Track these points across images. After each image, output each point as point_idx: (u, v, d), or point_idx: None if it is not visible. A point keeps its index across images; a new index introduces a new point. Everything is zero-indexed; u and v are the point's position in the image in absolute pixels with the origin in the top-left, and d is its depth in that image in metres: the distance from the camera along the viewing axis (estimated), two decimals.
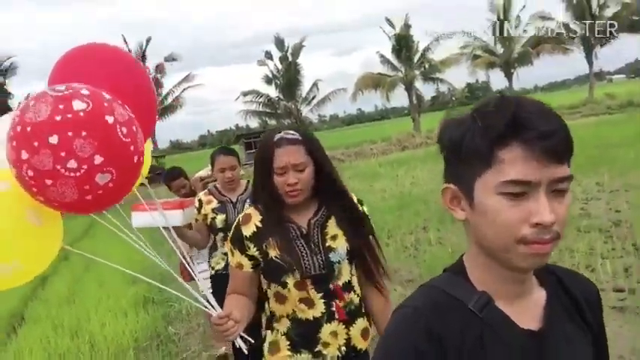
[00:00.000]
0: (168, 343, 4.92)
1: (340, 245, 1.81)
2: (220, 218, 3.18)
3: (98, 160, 1.37)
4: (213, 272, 3.35)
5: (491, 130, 0.80)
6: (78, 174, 1.36)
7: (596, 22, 33.93)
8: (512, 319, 0.86)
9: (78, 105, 1.35)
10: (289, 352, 1.80)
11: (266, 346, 1.86)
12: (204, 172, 4.16)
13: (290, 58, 33.00)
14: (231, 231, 1.85)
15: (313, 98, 33.84)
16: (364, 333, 1.85)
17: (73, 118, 1.33)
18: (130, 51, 34.60)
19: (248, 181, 3.32)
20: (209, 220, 3.20)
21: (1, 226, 1.53)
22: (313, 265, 1.76)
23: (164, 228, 2.25)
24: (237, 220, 1.85)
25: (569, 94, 48.49)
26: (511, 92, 36.29)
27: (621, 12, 34.00)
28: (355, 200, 1.90)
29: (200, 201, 3.24)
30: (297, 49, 33.00)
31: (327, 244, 1.79)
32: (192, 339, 4.95)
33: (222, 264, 3.26)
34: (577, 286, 0.96)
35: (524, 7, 34.45)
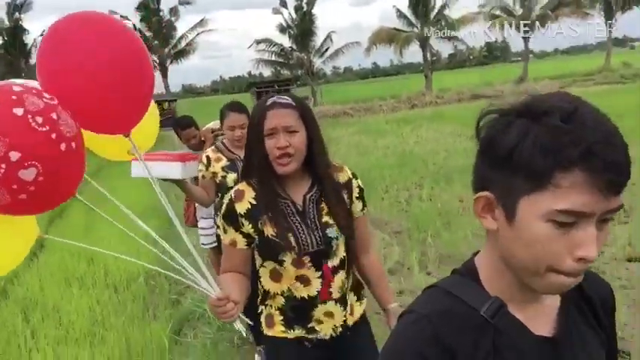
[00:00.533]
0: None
1: None
2: (231, 177, 3.09)
3: (15, 156, 1.31)
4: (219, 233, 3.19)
5: (558, 152, 0.71)
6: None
7: None
8: (525, 326, 0.83)
9: None
10: (283, 328, 1.80)
11: (262, 320, 1.87)
12: (215, 123, 4.01)
13: (305, 8, 32.64)
14: (224, 207, 1.78)
15: (327, 50, 33.68)
16: (354, 309, 1.86)
17: None
18: None
19: None
20: (219, 178, 3.11)
21: None
22: (311, 242, 1.73)
23: (164, 180, 2.22)
24: (229, 197, 1.78)
25: (588, 60, 47.62)
26: (528, 54, 35.95)
27: None
28: (350, 175, 1.87)
29: (208, 158, 3.14)
30: None
31: (323, 220, 1.76)
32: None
33: None
34: (592, 286, 0.92)
35: None
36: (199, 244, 4.21)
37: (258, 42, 32.96)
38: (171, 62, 36.08)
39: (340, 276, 1.78)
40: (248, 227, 1.73)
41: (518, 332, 0.81)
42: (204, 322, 4.25)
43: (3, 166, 1.30)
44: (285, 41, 33.90)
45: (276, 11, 32.74)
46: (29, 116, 1.33)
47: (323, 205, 1.77)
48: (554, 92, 0.78)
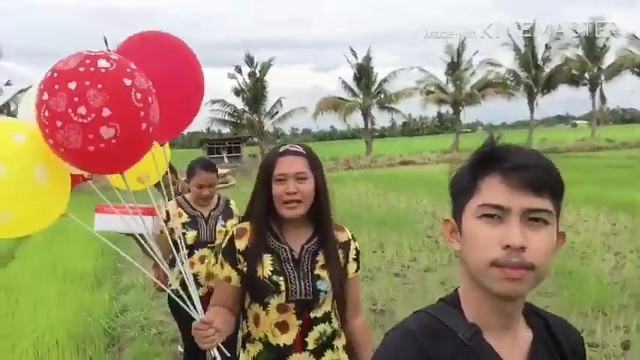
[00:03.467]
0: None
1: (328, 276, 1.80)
2: (191, 234, 3.05)
3: (106, 112, 1.43)
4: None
5: (474, 163, 0.92)
6: (85, 120, 1.42)
7: (539, 73, 37.77)
8: (498, 353, 0.91)
9: (102, 63, 1.46)
10: None
11: None
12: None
13: (257, 75, 35.68)
14: (224, 243, 1.82)
15: (276, 113, 36.54)
16: None
17: (94, 71, 1.44)
18: (106, 44, 36.01)
19: (219, 196, 3.29)
20: (177, 234, 2.96)
21: (6, 174, 1.54)
22: (300, 291, 1.75)
23: (130, 235, 2.13)
24: (230, 233, 1.83)
25: (514, 135, 51.90)
26: (460, 127, 39.70)
27: (562, 66, 37.92)
28: (350, 236, 1.91)
29: (167, 213, 3.03)
30: (266, 67, 35.77)
31: (316, 272, 1.78)
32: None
33: (177, 283, 3.04)
34: (563, 332, 1.01)
35: (476, 52, 37.88)
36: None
37: (213, 102, 35.53)
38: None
39: (319, 328, 1.79)
40: (243, 265, 1.76)
41: (490, 357, 0.91)
42: None
43: (93, 115, 1.42)
44: (239, 102, 36.71)
45: (231, 76, 35.61)
46: (133, 90, 1.47)
47: (319, 258, 1.79)
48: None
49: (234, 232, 1.81)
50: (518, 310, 0.95)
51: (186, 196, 3.21)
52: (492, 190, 0.88)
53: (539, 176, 0.87)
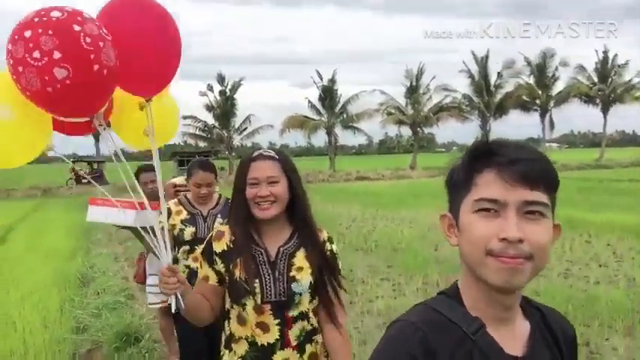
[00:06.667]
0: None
1: (304, 278, 1.83)
2: (189, 231, 3.16)
3: (57, 55, 1.55)
4: None
5: (470, 159, 0.95)
6: (40, 64, 1.56)
7: (491, 99, 40.76)
8: (499, 345, 0.94)
9: (55, 14, 1.59)
10: None
11: None
12: (180, 179, 4.09)
13: (228, 93, 38.00)
14: (204, 244, 1.89)
15: (245, 129, 38.77)
16: (311, 358, 1.88)
17: (46, 20, 1.57)
18: None
19: (220, 194, 3.37)
20: (177, 231, 3.16)
21: None
22: (275, 292, 1.79)
23: (120, 227, 2.28)
24: (210, 235, 1.88)
25: None
26: (418, 147, 42.28)
27: (514, 92, 40.96)
28: (326, 237, 1.94)
29: (169, 210, 3.15)
30: (236, 86, 38.16)
31: (291, 274, 1.81)
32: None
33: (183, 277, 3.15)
34: (558, 324, 1.05)
35: (434, 77, 40.60)
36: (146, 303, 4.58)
37: (184, 117, 37.55)
38: (104, 129, 39.27)
39: (298, 325, 1.84)
40: (220, 266, 1.83)
41: (493, 349, 0.93)
42: None
43: (46, 58, 1.55)
44: (210, 118, 38.82)
45: (202, 94, 37.87)
46: (82, 34, 1.59)
47: (295, 260, 1.84)
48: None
49: (213, 235, 1.88)
50: (516, 303, 0.97)
51: (188, 195, 3.33)
52: (488, 185, 0.90)
53: (535, 170, 0.89)
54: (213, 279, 1.86)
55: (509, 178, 0.88)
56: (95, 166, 35.07)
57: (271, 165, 1.83)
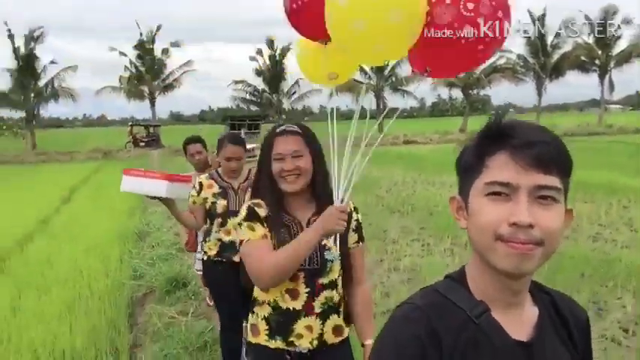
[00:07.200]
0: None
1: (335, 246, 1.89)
2: (221, 204, 3.20)
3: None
4: (205, 257, 3.37)
5: (481, 141, 0.92)
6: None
7: (548, 59, 39.31)
8: (505, 329, 0.92)
9: None
10: (266, 337, 1.90)
11: (248, 327, 1.99)
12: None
13: (277, 58, 38.34)
14: (245, 212, 1.87)
15: (294, 93, 39.21)
16: (336, 329, 1.94)
17: None
18: (141, 34, 38.63)
19: (250, 169, 3.35)
20: (209, 204, 3.22)
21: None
22: (309, 259, 1.83)
23: (152, 197, 2.42)
24: (249, 204, 1.90)
25: (525, 117, 53.06)
26: (468, 111, 41.61)
27: (572, 52, 39.37)
28: (352, 207, 1.99)
29: (201, 184, 3.23)
30: (286, 50, 38.37)
31: (322, 242, 1.85)
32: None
33: (215, 250, 3.27)
34: (568, 309, 1.03)
35: None
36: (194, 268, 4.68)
37: (236, 82, 38.38)
38: (159, 94, 40.71)
39: (325, 294, 1.90)
40: (266, 230, 1.86)
41: (497, 333, 0.92)
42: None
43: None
44: (260, 83, 39.49)
45: (252, 58, 38.35)
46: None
47: None
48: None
49: (253, 204, 1.90)
50: (525, 288, 0.96)
51: (219, 169, 3.36)
52: (500, 168, 0.88)
53: (548, 153, 0.86)
54: (269, 237, 1.87)
55: (522, 161, 0.86)
56: (151, 129, 36.58)
57: (295, 140, 1.88)
